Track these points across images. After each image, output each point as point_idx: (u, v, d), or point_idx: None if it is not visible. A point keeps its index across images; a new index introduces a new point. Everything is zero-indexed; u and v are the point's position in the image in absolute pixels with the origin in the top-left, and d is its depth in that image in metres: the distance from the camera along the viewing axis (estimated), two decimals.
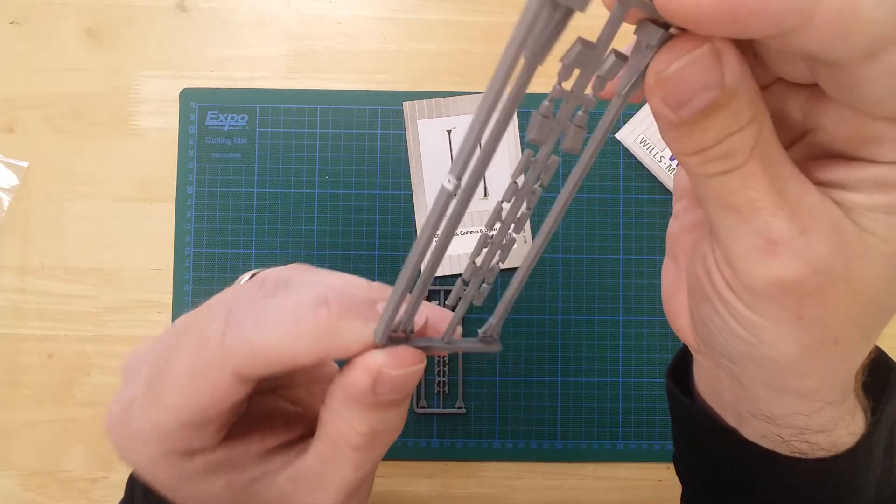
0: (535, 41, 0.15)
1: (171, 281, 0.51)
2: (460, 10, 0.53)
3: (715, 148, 0.17)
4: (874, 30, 0.14)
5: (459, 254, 0.51)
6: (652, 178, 0.51)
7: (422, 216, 0.51)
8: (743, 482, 0.27)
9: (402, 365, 0.20)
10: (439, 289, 0.50)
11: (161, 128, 0.52)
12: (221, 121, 0.51)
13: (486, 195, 0.51)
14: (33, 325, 0.51)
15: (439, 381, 0.50)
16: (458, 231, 0.50)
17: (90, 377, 0.50)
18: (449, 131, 0.51)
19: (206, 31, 0.52)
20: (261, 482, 0.22)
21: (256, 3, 0.53)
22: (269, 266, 0.50)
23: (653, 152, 0.51)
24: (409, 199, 0.51)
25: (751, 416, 0.24)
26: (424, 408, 0.50)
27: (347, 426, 0.20)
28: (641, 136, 0.51)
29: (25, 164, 0.51)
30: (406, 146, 0.51)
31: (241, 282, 0.24)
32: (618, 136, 0.51)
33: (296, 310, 0.20)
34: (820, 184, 0.18)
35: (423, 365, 0.20)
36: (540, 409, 0.50)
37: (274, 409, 0.25)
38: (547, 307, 0.51)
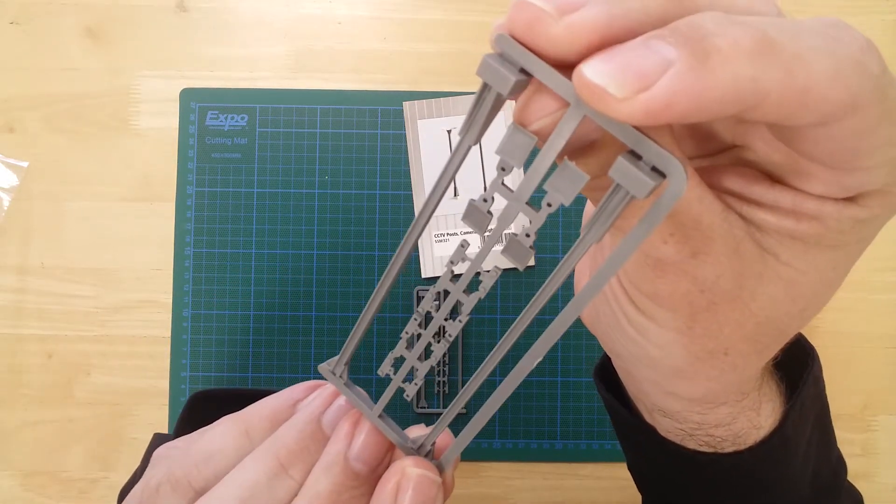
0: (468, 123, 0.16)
1: (171, 281, 0.51)
2: (460, 10, 0.53)
3: (600, 179, 0.15)
4: (823, 108, 0.13)
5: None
6: None
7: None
8: (667, 479, 0.27)
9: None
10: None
11: (161, 128, 0.52)
12: (221, 121, 0.51)
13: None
14: (33, 325, 0.51)
15: (439, 382, 0.50)
16: (457, 231, 0.51)
17: (90, 377, 0.50)
18: (449, 131, 0.51)
19: (206, 31, 0.52)
20: None
21: (256, 3, 0.53)
22: (268, 266, 0.50)
23: None
24: (409, 199, 0.51)
25: (653, 410, 0.24)
26: (425, 408, 0.50)
27: None
28: None
29: (25, 164, 0.51)
30: (406, 146, 0.51)
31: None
32: None
33: None
34: (734, 195, 0.17)
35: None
36: (540, 409, 0.50)
37: None
38: (546, 307, 0.50)
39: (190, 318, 0.50)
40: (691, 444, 0.24)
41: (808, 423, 0.25)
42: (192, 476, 0.20)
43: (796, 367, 0.25)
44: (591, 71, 0.12)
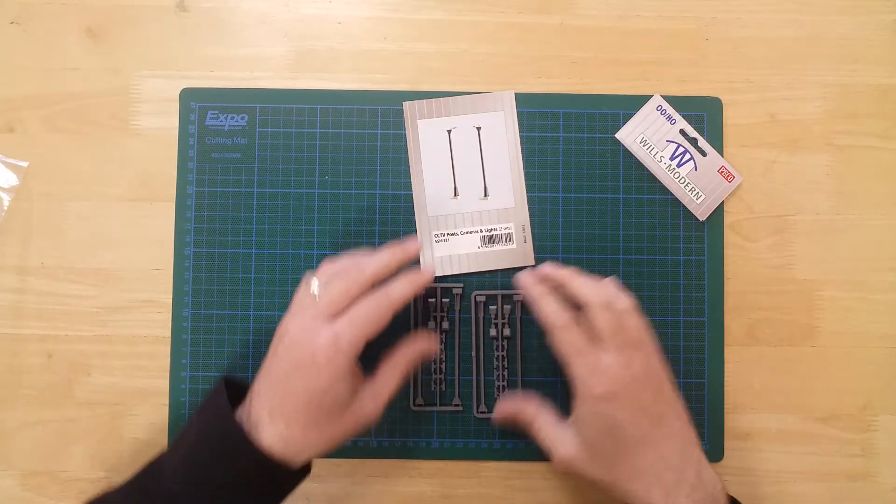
0: None
1: (171, 281, 0.51)
2: (460, 10, 0.53)
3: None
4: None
5: (460, 254, 0.51)
6: (652, 178, 0.51)
7: (422, 216, 0.51)
8: None
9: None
10: (437, 286, 0.50)
11: (161, 128, 0.52)
12: (221, 121, 0.51)
13: (485, 195, 0.51)
14: (33, 325, 0.51)
15: (436, 380, 0.50)
16: (457, 231, 0.51)
17: (90, 377, 0.50)
18: (449, 131, 0.51)
19: (206, 31, 0.52)
20: (361, 389, 0.42)
21: (256, 3, 0.53)
22: (268, 266, 0.50)
23: (653, 152, 0.51)
24: (409, 199, 0.51)
25: None
26: (421, 405, 0.50)
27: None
28: (641, 136, 0.51)
29: (25, 164, 0.51)
30: (406, 146, 0.51)
31: (313, 287, 0.41)
32: (618, 136, 0.51)
33: (368, 309, 0.40)
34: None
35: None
36: None
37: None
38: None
39: (190, 318, 0.50)
40: None
41: None
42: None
43: None
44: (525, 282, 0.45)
